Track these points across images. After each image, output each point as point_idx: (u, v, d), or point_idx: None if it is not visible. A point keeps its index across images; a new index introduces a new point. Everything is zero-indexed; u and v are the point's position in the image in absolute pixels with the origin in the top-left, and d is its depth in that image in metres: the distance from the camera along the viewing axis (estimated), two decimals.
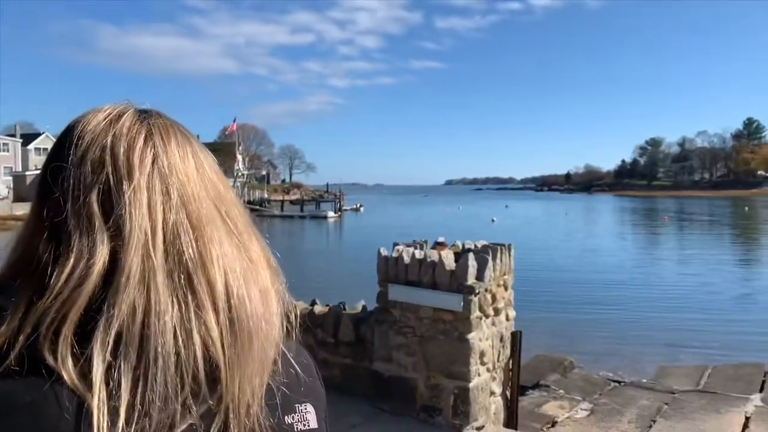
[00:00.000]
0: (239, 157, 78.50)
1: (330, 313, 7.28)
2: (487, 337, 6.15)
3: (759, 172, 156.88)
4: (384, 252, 6.47)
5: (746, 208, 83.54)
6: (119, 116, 0.73)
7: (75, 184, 0.68)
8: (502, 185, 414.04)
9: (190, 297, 0.66)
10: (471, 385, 5.90)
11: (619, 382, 9.32)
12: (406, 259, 6.23)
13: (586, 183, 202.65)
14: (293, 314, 0.80)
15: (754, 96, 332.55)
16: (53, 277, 0.64)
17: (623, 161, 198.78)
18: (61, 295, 0.63)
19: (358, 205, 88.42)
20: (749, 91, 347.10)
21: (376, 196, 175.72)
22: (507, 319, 6.66)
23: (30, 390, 0.61)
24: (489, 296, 6.16)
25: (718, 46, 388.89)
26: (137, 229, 0.66)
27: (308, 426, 0.76)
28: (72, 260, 0.64)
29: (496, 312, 6.36)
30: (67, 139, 0.72)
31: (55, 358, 0.61)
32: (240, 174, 77.31)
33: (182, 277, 0.67)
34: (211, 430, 0.66)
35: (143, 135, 0.72)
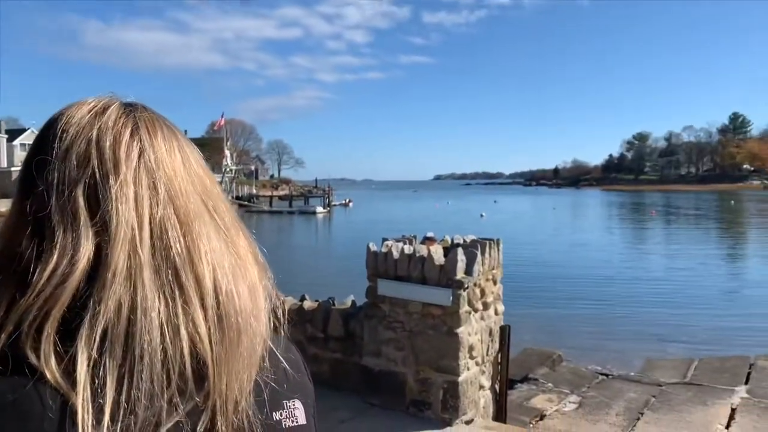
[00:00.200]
0: (227, 153, 77.93)
1: (319, 308, 7.28)
2: (476, 332, 6.17)
3: (744, 166, 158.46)
4: (373, 247, 6.47)
5: (732, 202, 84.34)
6: (104, 109, 0.72)
7: (60, 178, 0.67)
8: (490, 180, 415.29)
9: (177, 293, 0.65)
10: (460, 379, 5.92)
11: (607, 375, 9.40)
12: (396, 254, 6.23)
13: (574, 178, 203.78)
14: (281, 310, 0.79)
15: (739, 91, 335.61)
16: (36, 274, 0.62)
17: (611, 156, 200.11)
18: (43, 292, 0.61)
19: (347, 201, 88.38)
20: (735, 85, 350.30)
21: (365, 191, 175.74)
22: (496, 313, 6.68)
23: (13, 389, 0.59)
24: (478, 291, 6.18)
25: (705, 41, 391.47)
26: (124, 225, 0.65)
27: (296, 422, 0.76)
28: (55, 256, 0.63)
29: (485, 306, 6.38)
30: (50, 131, 0.70)
31: (38, 357, 0.60)
32: (228, 169, 76.88)
33: (169, 273, 0.66)
34: (198, 427, 0.65)
35: (129, 128, 0.71)
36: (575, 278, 21.36)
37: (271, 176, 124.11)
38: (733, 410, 7.24)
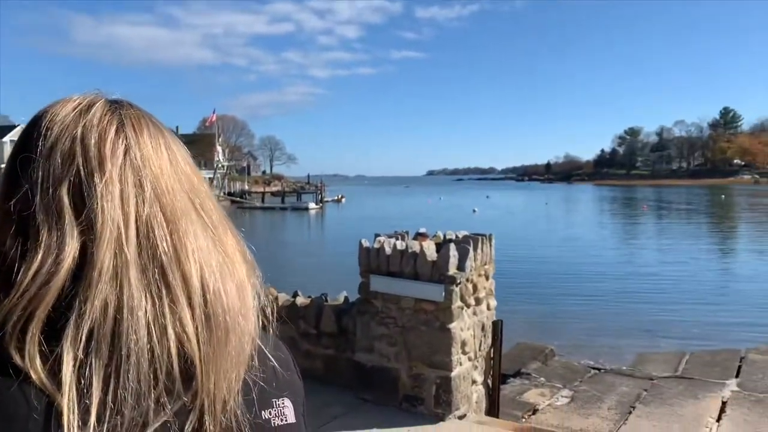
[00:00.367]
0: (219, 149, 77.78)
1: (312, 304, 7.28)
2: (468, 327, 6.18)
3: (735, 161, 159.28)
4: (365, 243, 6.47)
5: (723, 197, 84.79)
6: (89, 106, 0.71)
7: (44, 176, 0.66)
8: (483, 175, 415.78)
9: (164, 292, 0.65)
10: (453, 374, 5.94)
11: (599, 370, 9.44)
12: (388, 250, 6.23)
13: (566, 173, 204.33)
14: (270, 308, 0.78)
15: (730, 85, 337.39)
16: (20, 274, 0.62)
17: (602, 151, 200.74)
18: (27, 292, 0.61)
19: (340, 197, 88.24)
20: (726, 80, 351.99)
21: (357, 187, 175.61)
22: (488, 308, 6.70)
23: None
24: (470, 286, 6.19)
25: (696, 37, 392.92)
26: (109, 223, 0.64)
27: (286, 421, 0.75)
28: (40, 255, 0.62)
29: (477, 302, 6.40)
30: (35, 129, 0.70)
31: (23, 357, 0.59)
32: (220, 166, 76.70)
33: (156, 271, 0.65)
34: (186, 426, 0.64)
35: (115, 126, 0.70)
36: (567, 273, 21.43)
37: (263, 172, 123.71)
38: (723, 403, 7.29)
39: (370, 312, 6.39)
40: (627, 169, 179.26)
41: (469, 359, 6.25)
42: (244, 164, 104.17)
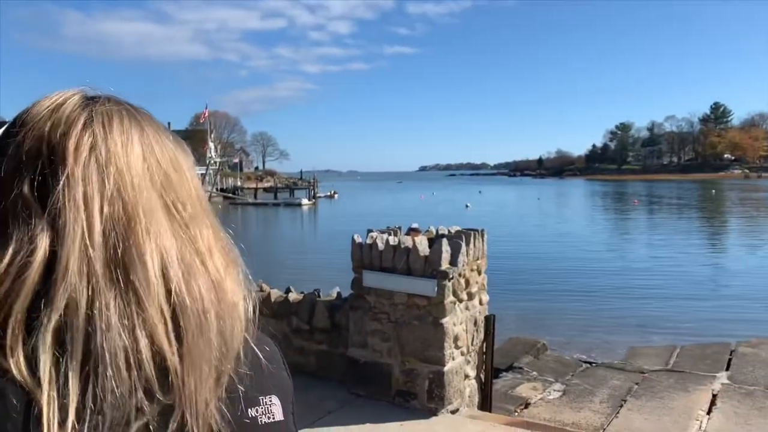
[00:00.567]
0: (211, 145, 77.42)
1: (305, 300, 7.28)
2: (461, 322, 6.20)
3: (725, 156, 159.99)
4: (358, 239, 6.47)
5: (713, 191, 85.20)
6: (63, 103, 0.70)
7: (10, 173, 0.65)
8: (475, 171, 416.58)
9: (130, 292, 0.64)
10: (445, 369, 5.95)
11: (590, 364, 9.50)
12: (380, 245, 6.23)
13: (558, 168, 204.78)
14: (252, 304, 0.76)
15: (720, 80, 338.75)
16: None
17: (594, 146, 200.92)
18: (2, 286, 0.61)
19: (332, 192, 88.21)
20: (716, 75, 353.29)
21: (350, 182, 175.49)
22: (480, 303, 6.71)
23: None
24: (462, 281, 6.20)
25: (687, 32, 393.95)
26: (72, 222, 0.63)
27: (273, 418, 0.74)
28: (10, 251, 0.62)
29: (470, 296, 6.41)
30: (10, 128, 0.70)
31: (3, 354, 0.59)
32: (212, 162, 76.38)
33: (119, 271, 0.64)
34: (169, 426, 0.64)
35: (81, 122, 0.69)
36: (559, 268, 21.50)
37: (256, 168, 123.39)
38: (714, 396, 7.34)
39: (363, 307, 6.39)
40: (618, 164, 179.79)
41: (462, 354, 6.27)
42: (237, 160, 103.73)
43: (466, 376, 6.40)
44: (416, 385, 6.08)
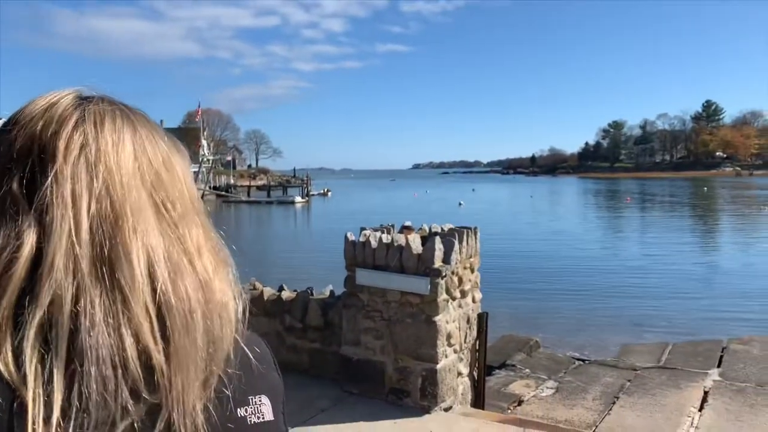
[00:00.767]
0: (204, 143, 77.21)
1: (298, 298, 7.27)
2: (453, 319, 6.20)
3: (717, 154, 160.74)
4: (351, 237, 6.46)
5: (705, 189, 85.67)
6: (57, 102, 0.70)
7: (0, 171, 0.66)
8: (468, 169, 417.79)
9: (116, 290, 0.63)
10: (438, 366, 5.96)
11: (583, 361, 9.53)
12: (374, 243, 6.23)
13: (551, 166, 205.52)
14: (242, 304, 0.76)
15: (712, 79, 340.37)
16: None
17: (587, 144, 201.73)
18: None
19: (326, 190, 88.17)
20: (708, 74, 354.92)
21: (343, 180, 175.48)
22: (473, 301, 6.72)
23: None
24: (455, 279, 6.21)
25: (679, 30, 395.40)
26: (59, 219, 0.63)
27: (263, 418, 0.74)
28: None
29: (463, 294, 6.42)
30: (4, 127, 0.70)
31: None
32: (205, 160, 76.16)
33: (105, 268, 0.64)
34: (156, 426, 0.63)
35: (73, 120, 0.69)
36: (552, 266, 21.57)
37: (249, 166, 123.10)
38: (705, 393, 7.38)
39: (356, 305, 6.39)
40: (611, 161, 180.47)
41: (455, 351, 6.27)
42: (230, 158, 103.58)
43: (459, 374, 6.41)
44: (409, 383, 6.08)
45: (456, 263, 6.15)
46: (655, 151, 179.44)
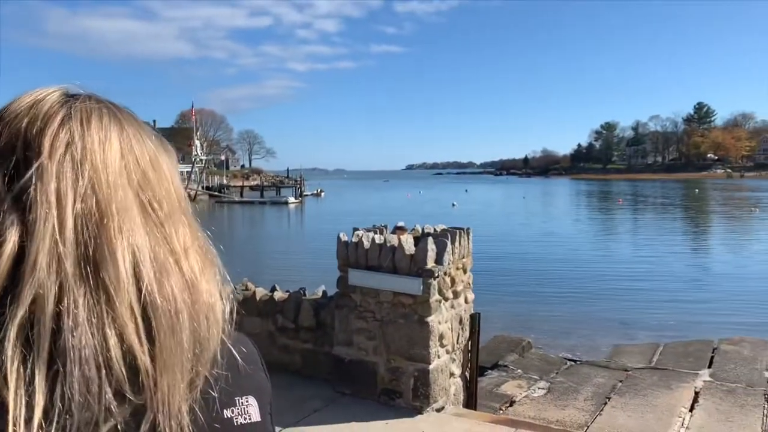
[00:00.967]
0: (197, 143, 77.02)
1: (290, 298, 7.26)
2: (446, 320, 6.21)
3: (709, 156, 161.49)
4: (344, 237, 6.46)
5: (696, 191, 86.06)
6: (43, 99, 0.70)
7: None
8: (461, 170, 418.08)
9: (100, 289, 0.63)
10: (431, 367, 5.97)
11: (575, 361, 9.56)
12: (366, 244, 6.23)
13: (544, 167, 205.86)
14: (230, 304, 0.75)
15: (704, 81, 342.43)
16: None
17: (579, 145, 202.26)
18: None
19: (319, 191, 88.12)
20: (700, 76, 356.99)
21: (336, 181, 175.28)
22: (466, 301, 6.73)
23: None
24: (448, 279, 6.21)
25: (671, 32, 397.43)
26: (42, 218, 0.62)
27: (250, 419, 0.74)
28: None
29: (455, 295, 6.43)
30: None
31: None
32: (198, 160, 75.96)
33: (89, 268, 0.63)
34: (141, 427, 0.63)
35: (59, 118, 0.68)
36: (545, 267, 21.63)
37: (242, 166, 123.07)
38: (696, 393, 7.42)
39: (349, 306, 6.39)
40: (603, 163, 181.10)
41: (447, 352, 6.28)
42: (223, 158, 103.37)
43: (452, 375, 6.41)
44: (401, 384, 6.09)
45: (448, 264, 6.16)
46: (647, 153, 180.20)
